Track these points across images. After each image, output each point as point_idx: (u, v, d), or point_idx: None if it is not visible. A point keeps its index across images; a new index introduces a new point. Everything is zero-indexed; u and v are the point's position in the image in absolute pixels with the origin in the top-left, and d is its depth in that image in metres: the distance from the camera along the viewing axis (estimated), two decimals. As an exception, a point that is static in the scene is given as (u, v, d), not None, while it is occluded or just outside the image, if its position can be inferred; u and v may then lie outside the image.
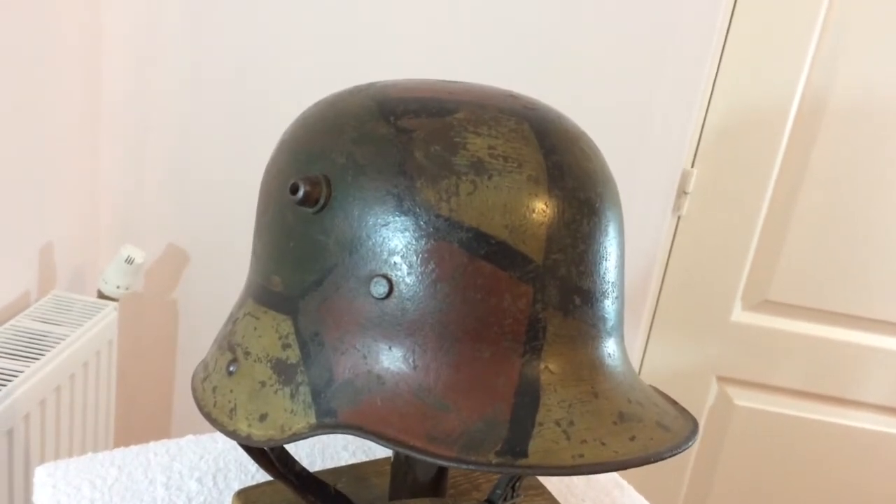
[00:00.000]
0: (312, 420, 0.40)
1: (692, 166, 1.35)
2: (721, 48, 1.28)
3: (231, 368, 0.46)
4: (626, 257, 1.37)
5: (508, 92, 0.46)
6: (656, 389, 0.48)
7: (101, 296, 1.27)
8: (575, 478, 0.68)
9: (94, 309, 1.19)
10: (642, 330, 1.44)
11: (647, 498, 1.55)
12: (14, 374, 0.99)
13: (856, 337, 1.41)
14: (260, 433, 0.42)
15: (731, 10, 1.26)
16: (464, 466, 0.37)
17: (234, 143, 1.33)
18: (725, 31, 1.27)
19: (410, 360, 0.40)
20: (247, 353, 0.45)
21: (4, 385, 0.96)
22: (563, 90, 1.28)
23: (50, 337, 1.09)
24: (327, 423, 0.40)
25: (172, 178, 1.36)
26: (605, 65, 1.26)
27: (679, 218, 1.38)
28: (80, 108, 1.25)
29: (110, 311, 1.21)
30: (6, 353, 1.03)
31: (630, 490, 0.67)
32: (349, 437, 0.69)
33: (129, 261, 1.24)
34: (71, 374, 1.11)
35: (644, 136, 1.30)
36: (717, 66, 1.29)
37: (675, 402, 0.46)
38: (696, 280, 1.41)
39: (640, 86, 1.27)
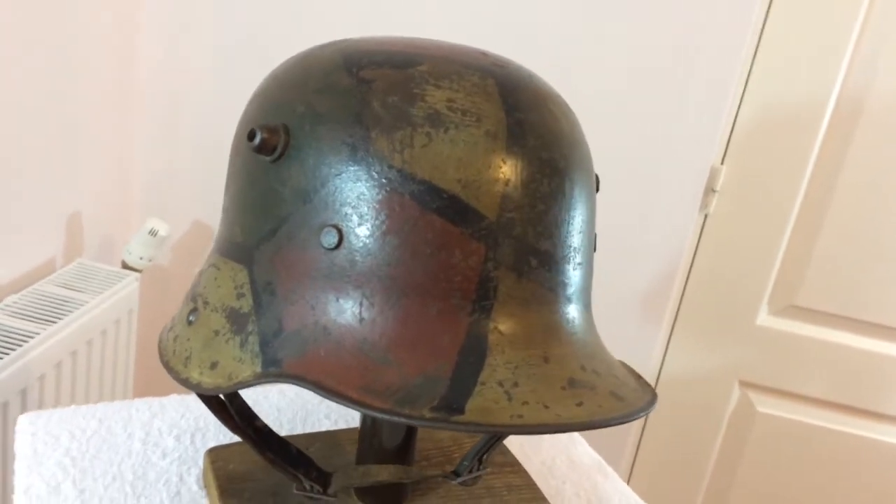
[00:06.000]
0: (258, 369, 0.40)
1: (722, 163, 1.31)
2: (756, 42, 1.25)
3: (191, 318, 0.46)
4: (648, 251, 1.34)
5: (481, 50, 0.45)
6: (626, 365, 0.46)
7: (125, 266, 1.29)
8: (557, 460, 0.66)
9: (116, 278, 1.21)
10: (664, 330, 1.41)
11: (661, 502, 1.52)
12: (31, 336, 1.01)
13: (886, 348, 1.36)
14: (209, 381, 0.42)
15: (767, 4, 1.23)
16: (395, 419, 0.36)
17: (262, 122, 1.34)
18: (761, 25, 1.24)
19: (357, 313, 0.39)
20: (206, 303, 0.45)
21: (20, 346, 0.99)
22: (593, 82, 1.26)
23: (70, 303, 1.11)
24: (271, 372, 0.40)
25: (202, 155, 1.38)
26: (637, 57, 1.24)
27: (706, 216, 1.35)
28: (113, 83, 1.27)
29: (132, 282, 1.23)
30: (26, 316, 1.05)
31: (614, 477, 0.65)
32: (332, 406, 0.69)
33: (153, 233, 1.26)
34: (88, 340, 1.13)
35: (673, 131, 1.27)
36: (751, 60, 1.26)
37: (639, 377, 0.45)
38: (722, 281, 1.37)
39: (672, 79, 1.25)
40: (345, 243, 0.39)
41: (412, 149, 0.39)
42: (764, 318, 1.38)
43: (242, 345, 0.41)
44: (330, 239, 0.40)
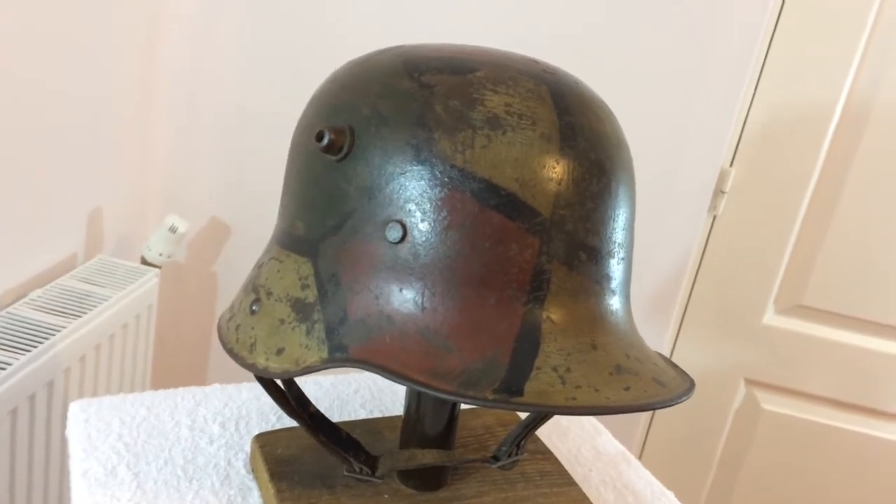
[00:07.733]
0: (325, 354, 0.43)
1: (731, 165, 1.34)
2: (767, 46, 1.28)
3: (254, 308, 0.48)
4: (657, 250, 1.37)
5: (531, 58, 0.48)
6: (662, 356, 0.49)
7: (144, 262, 1.31)
8: (583, 449, 0.69)
9: (136, 274, 1.24)
10: (672, 327, 1.44)
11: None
12: (57, 330, 1.03)
13: (892, 347, 1.39)
14: (276, 366, 0.45)
15: (778, 8, 1.26)
16: (461, 400, 0.39)
17: (283, 122, 1.37)
18: (772, 29, 1.27)
19: (419, 303, 0.42)
20: (269, 294, 0.47)
21: (47, 339, 1.01)
22: (604, 82, 1.29)
23: (93, 297, 1.14)
24: (338, 357, 0.42)
25: (220, 153, 1.40)
26: (647, 59, 1.27)
27: (714, 217, 1.38)
28: (134, 80, 1.30)
29: (151, 277, 1.25)
30: (51, 310, 1.08)
31: (637, 465, 0.68)
32: (366, 396, 0.71)
33: (173, 230, 1.28)
34: (111, 335, 1.16)
35: (683, 133, 1.30)
36: (761, 63, 1.29)
37: (676, 366, 0.48)
38: (729, 281, 1.40)
39: (682, 81, 1.27)
40: (408, 237, 0.42)
41: (473, 149, 0.42)
42: (770, 318, 1.41)
43: (308, 332, 0.44)
44: (394, 233, 0.42)
